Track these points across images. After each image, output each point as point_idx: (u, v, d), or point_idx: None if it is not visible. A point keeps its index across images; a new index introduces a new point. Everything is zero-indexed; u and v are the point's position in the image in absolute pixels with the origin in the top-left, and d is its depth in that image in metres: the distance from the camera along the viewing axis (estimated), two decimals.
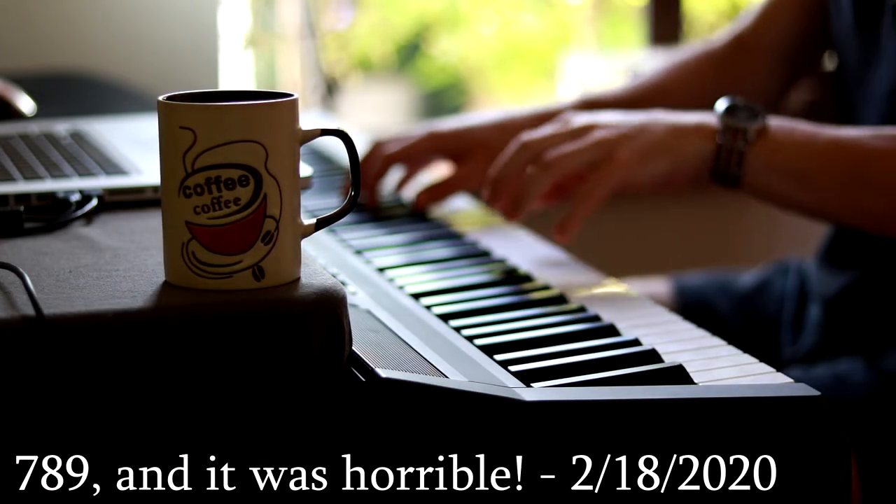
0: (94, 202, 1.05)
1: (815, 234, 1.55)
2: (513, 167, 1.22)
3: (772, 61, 1.52)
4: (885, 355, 1.34)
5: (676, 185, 1.23)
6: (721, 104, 1.23)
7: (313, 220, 0.88)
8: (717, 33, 1.61)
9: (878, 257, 1.38)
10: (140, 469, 0.81)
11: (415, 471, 0.81)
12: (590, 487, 0.82)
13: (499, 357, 0.92)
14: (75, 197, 1.05)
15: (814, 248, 1.50)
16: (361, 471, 0.82)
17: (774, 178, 1.21)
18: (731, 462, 0.83)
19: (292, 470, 0.83)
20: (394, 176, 1.40)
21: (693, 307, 1.49)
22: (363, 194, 1.35)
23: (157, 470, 0.81)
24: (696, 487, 0.83)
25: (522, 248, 1.23)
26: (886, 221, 1.23)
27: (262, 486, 0.83)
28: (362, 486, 0.82)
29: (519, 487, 0.82)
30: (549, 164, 1.20)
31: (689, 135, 1.21)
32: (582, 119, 1.23)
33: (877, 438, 1.27)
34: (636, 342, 0.96)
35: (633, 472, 0.82)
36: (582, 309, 1.04)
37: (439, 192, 1.35)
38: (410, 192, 1.38)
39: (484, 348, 0.94)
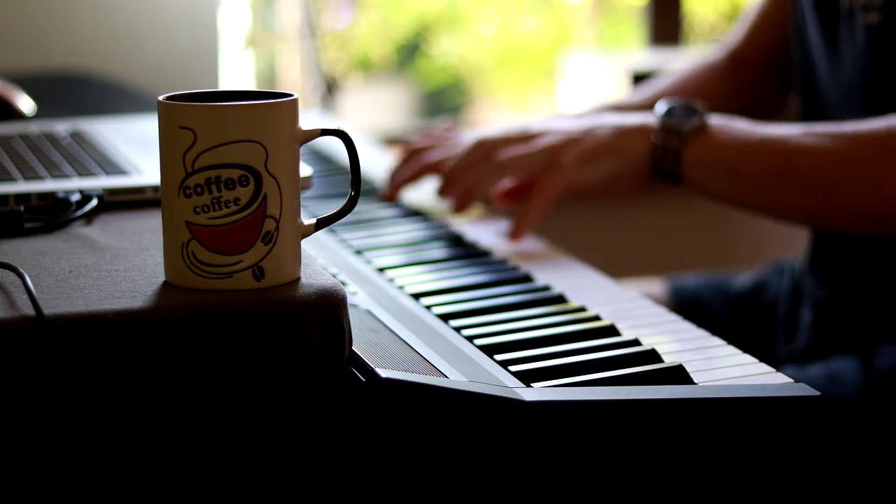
0: (94, 202, 1.05)
1: (807, 236, 1.56)
2: (465, 162, 1.30)
3: (767, 73, 1.56)
4: (878, 354, 1.35)
5: (624, 185, 1.29)
6: (661, 105, 1.28)
7: (313, 220, 0.88)
8: (712, 49, 1.63)
9: (861, 262, 1.40)
10: (140, 469, 0.81)
11: (415, 471, 0.81)
12: (590, 487, 0.82)
13: (499, 357, 0.92)
14: (75, 197, 1.05)
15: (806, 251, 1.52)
16: (361, 471, 0.82)
17: (709, 173, 1.26)
18: (731, 462, 0.83)
19: (292, 470, 0.83)
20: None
21: (688, 308, 1.50)
22: (387, 191, 1.39)
23: (157, 470, 0.81)
24: (696, 487, 0.83)
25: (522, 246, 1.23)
26: (810, 214, 1.29)
27: (262, 485, 0.83)
28: (362, 487, 0.82)
29: (519, 487, 0.82)
30: (499, 163, 1.27)
31: (630, 135, 1.27)
32: (538, 125, 1.31)
33: (870, 437, 1.28)
34: (636, 342, 0.96)
35: (634, 471, 0.82)
36: (582, 309, 1.04)
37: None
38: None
39: (484, 348, 0.94)
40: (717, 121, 1.27)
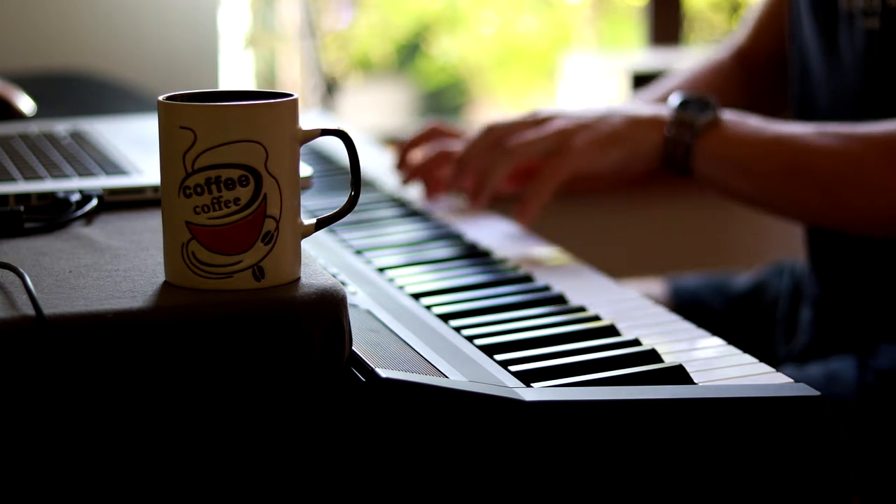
0: (94, 202, 1.05)
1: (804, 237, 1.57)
2: (477, 149, 1.29)
3: (771, 71, 1.56)
4: (877, 353, 1.35)
5: (633, 175, 1.29)
6: (675, 98, 1.28)
7: (313, 220, 0.88)
8: (717, 49, 1.63)
9: (859, 262, 1.40)
10: (140, 469, 0.81)
11: (415, 471, 0.81)
12: (590, 487, 0.82)
13: (499, 357, 0.92)
14: (75, 197, 1.05)
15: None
16: (361, 471, 0.82)
17: (720, 168, 1.26)
18: (732, 462, 0.83)
19: (293, 470, 0.83)
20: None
21: (688, 308, 1.50)
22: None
23: (158, 470, 0.81)
24: (697, 487, 0.83)
25: (522, 247, 1.23)
26: (820, 214, 1.29)
27: (262, 485, 0.83)
28: (362, 486, 0.82)
29: (519, 487, 0.82)
30: (510, 149, 1.27)
31: (643, 126, 1.27)
32: (547, 110, 1.30)
33: (869, 436, 1.28)
34: (636, 342, 0.96)
35: (634, 472, 0.82)
36: (582, 309, 1.04)
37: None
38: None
39: (484, 348, 0.94)
40: (730, 116, 1.27)
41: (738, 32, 1.61)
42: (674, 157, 1.26)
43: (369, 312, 1.00)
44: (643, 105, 1.31)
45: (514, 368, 0.90)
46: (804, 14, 1.42)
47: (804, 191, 1.25)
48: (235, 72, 2.36)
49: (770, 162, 1.25)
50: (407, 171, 1.39)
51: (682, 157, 1.26)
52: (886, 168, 1.22)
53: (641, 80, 2.34)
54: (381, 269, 1.13)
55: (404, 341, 0.94)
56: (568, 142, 1.25)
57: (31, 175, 1.12)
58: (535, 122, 1.29)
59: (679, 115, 1.26)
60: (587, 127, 1.26)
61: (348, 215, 0.89)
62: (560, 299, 1.06)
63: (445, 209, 1.35)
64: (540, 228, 1.30)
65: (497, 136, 1.29)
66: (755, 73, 1.58)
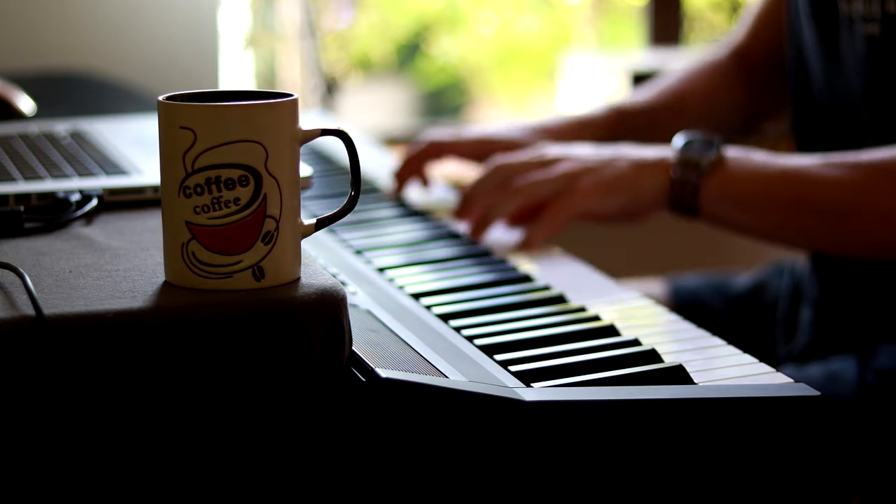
0: (94, 202, 1.05)
1: None
2: (484, 186, 1.30)
3: (769, 70, 1.56)
4: (876, 354, 1.35)
5: (638, 217, 1.31)
6: (679, 139, 1.29)
7: (313, 220, 0.88)
8: (714, 47, 1.63)
9: (859, 263, 1.41)
10: (140, 469, 0.81)
11: (415, 471, 0.81)
12: (590, 487, 0.82)
13: (499, 357, 0.92)
14: (75, 197, 1.05)
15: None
16: (362, 471, 0.82)
17: (727, 207, 1.27)
18: (732, 462, 0.83)
19: (293, 470, 0.83)
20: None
21: (688, 308, 1.51)
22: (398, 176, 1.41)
23: (158, 470, 0.81)
24: (697, 487, 0.83)
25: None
26: (830, 245, 1.30)
27: (262, 485, 0.83)
28: (362, 486, 0.82)
29: (519, 487, 0.82)
30: (516, 190, 1.27)
31: (648, 170, 1.28)
32: (554, 151, 1.31)
33: (869, 436, 1.28)
34: (636, 342, 0.96)
35: (634, 472, 0.82)
36: (582, 309, 1.04)
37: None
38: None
39: (484, 348, 0.94)
40: (734, 153, 1.27)
41: (735, 32, 1.60)
42: (681, 198, 1.26)
43: (369, 312, 1.00)
44: (647, 148, 1.31)
45: (514, 368, 0.90)
46: (803, 17, 1.43)
47: (813, 223, 1.26)
48: (235, 72, 2.36)
49: (777, 197, 1.26)
50: (398, 178, 1.40)
51: (689, 198, 1.26)
52: (886, 193, 1.23)
53: (641, 80, 2.33)
54: (381, 269, 1.13)
55: (404, 341, 0.94)
56: (573, 184, 1.26)
57: (31, 175, 1.12)
58: (543, 163, 1.29)
59: (684, 156, 1.26)
60: (593, 171, 1.27)
61: (348, 215, 0.89)
62: (560, 299, 1.06)
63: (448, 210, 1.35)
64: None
65: (504, 174, 1.30)
66: (753, 73, 1.58)
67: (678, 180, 1.26)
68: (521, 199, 1.27)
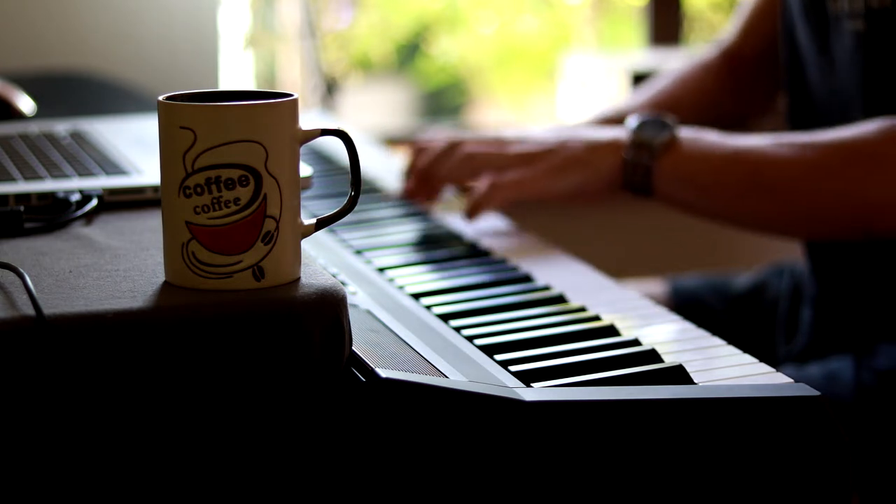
0: (94, 202, 1.05)
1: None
2: (435, 159, 1.33)
3: (760, 70, 1.57)
4: (876, 354, 1.35)
5: (592, 196, 1.31)
6: (632, 120, 1.30)
7: (313, 220, 0.88)
8: (705, 48, 1.64)
9: (858, 263, 1.41)
10: (140, 469, 0.81)
11: (415, 471, 0.81)
12: (590, 487, 0.82)
13: (499, 357, 0.92)
14: (75, 197, 1.05)
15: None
16: (362, 471, 0.82)
17: (680, 187, 1.27)
18: (732, 462, 0.83)
19: (293, 470, 0.83)
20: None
21: (688, 308, 1.51)
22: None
23: (158, 470, 0.81)
24: (697, 487, 0.83)
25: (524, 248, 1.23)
26: (783, 225, 1.31)
27: (262, 485, 0.83)
28: (362, 486, 0.82)
29: (519, 487, 0.82)
30: (467, 154, 1.31)
31: (601, 150, 1.29)
32: (511, 134, 1.33)
33: (868, 436, 1.29)
34: (636, 342, 0.96)
35: (634, 472, 0.82)
36: (582, 309, 1.04)
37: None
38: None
39: (484, 348, 0.94)
40: (687, 134, 1.28)
41: (726, 33, 1.61)
42: (634, 179, 1.28)
43: (369, 312, 1.00)
44: (603, 129, 1.32)
45: (514, 368, 0.90)
46: (797, 17, 1.43)
47: (764, 203, 1.26)
48: (235, 72, 2.36)
49: (728, 177, 1.26)
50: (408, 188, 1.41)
51: (641, 179, 1.27)
52: (843, 172, 1.23)
53: (641, 80, 2.33)
54: (381, 269, 1.13)
55: (404, 341, 0.94)
56: (527, 164, 1.28)
57: (31, 175, 1.12)
58: (499, 143, 1.32)
59: (636, 137, 1.28)
60: (547, 152, 1.29)
61: (348, 215, 0.89)
62: (560, 299, 1.06)
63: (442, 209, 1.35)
64: (541, 227, 1.31)
65: (456, 145, 1.32)
66: (744, 73, 1.58)
67: (631, 161, 1.27)
68: (472, 164, 1.30)
